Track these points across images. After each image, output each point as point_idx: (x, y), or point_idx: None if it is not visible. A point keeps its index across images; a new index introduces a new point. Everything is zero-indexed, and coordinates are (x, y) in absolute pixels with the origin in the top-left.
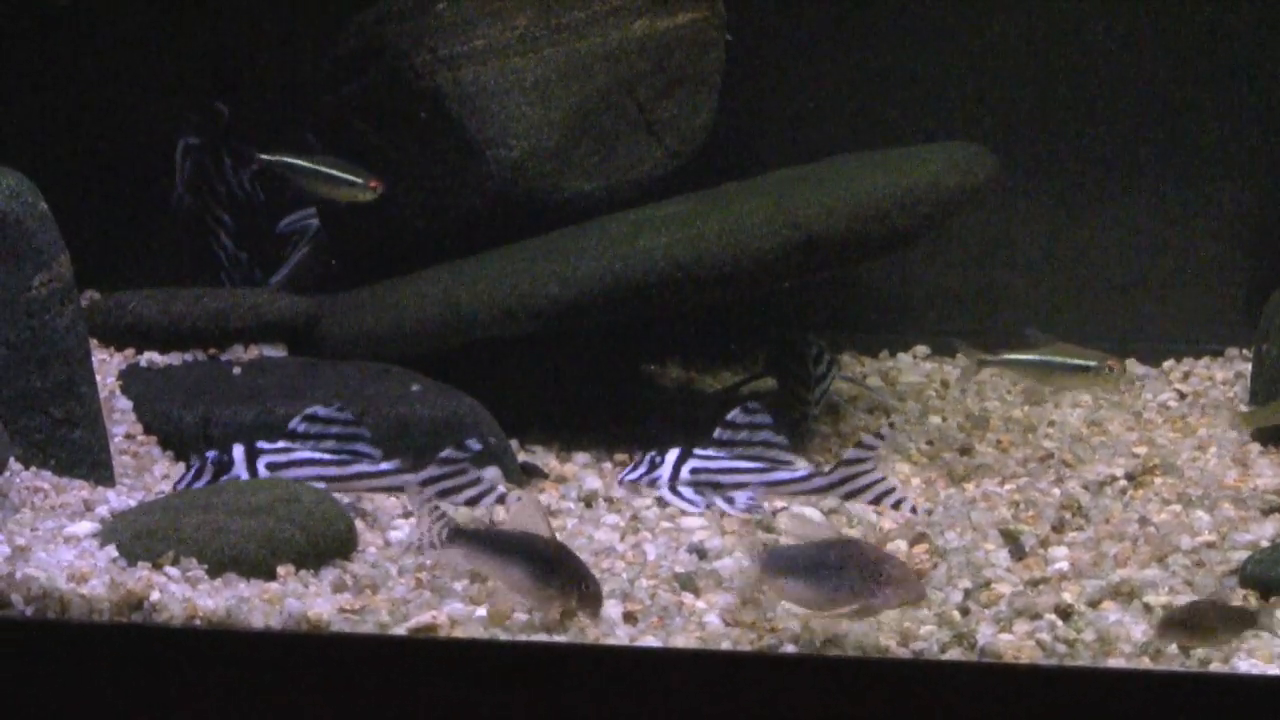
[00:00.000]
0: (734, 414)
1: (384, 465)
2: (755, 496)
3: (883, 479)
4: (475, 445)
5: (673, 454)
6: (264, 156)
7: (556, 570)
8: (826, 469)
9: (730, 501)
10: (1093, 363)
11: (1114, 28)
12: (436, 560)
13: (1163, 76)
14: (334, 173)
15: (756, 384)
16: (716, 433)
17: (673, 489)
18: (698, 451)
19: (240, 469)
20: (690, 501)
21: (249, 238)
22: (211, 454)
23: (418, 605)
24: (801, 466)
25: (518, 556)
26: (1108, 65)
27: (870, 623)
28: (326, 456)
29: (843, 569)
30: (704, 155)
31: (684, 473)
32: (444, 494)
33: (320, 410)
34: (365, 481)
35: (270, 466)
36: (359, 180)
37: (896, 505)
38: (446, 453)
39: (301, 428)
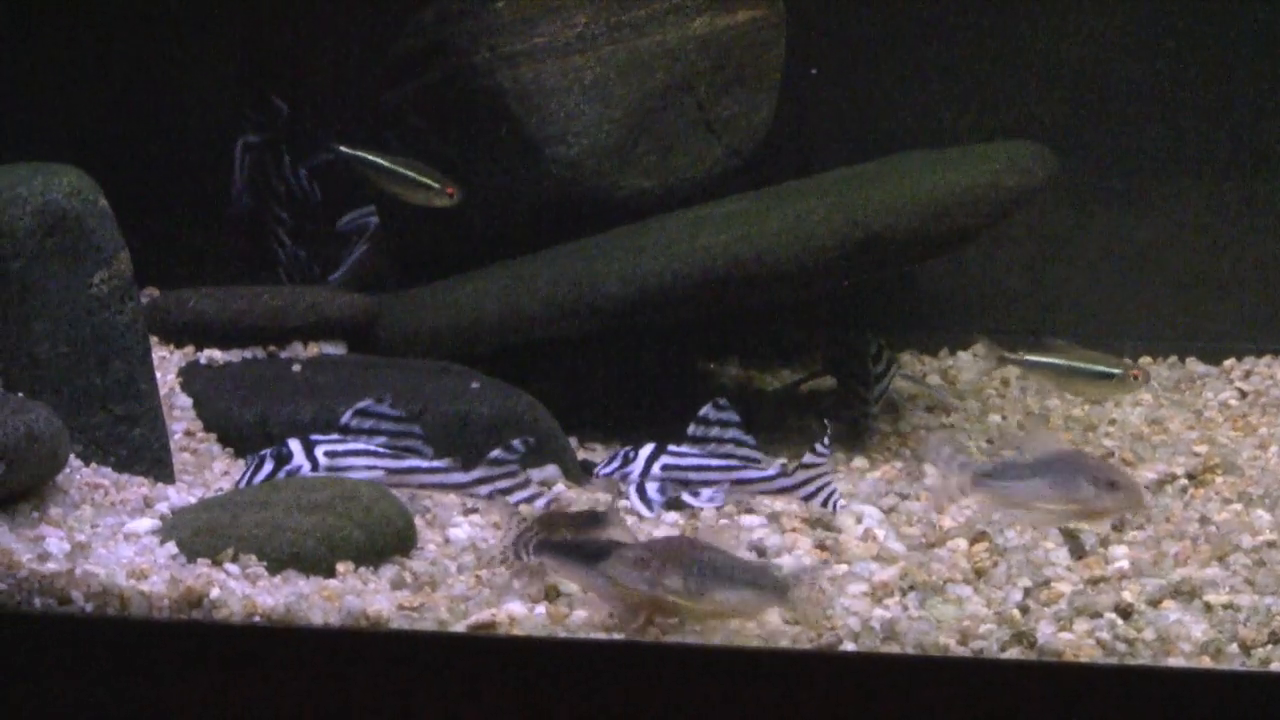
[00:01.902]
0: (705, 410)
1: (436, 463)
2: (719, 493)
3: (830, 483)
4: (519, 446)
5: (646, 449)
6: (343, 149)
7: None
8: (790, 469)
9: (695, 495)
10: (1116, 370)
11: (1174, 25)
12: (526, 570)
13: (1222, 74)
14: (412, 174)
15: (816, 382)
16: (690, 429)
17: (640, 486)
18: (671, 448)
19: (300, 458)
20: (648, 502)
21: (307, 235)
22: (268, 450)
23: (477, 603)
24: (769, 466)
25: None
26: (1167, 63)
27: (930, 620)
28: (382, 449)
29: (1070, 473)
30: (763, 153)
31: (655, 469)
32: (494, 495)
33: (372, 406)
34: (418, 477)
35: (329, 454)
36: (436, 185)
37: (832, 505)
38: (495, 454)
39: (354, 423)
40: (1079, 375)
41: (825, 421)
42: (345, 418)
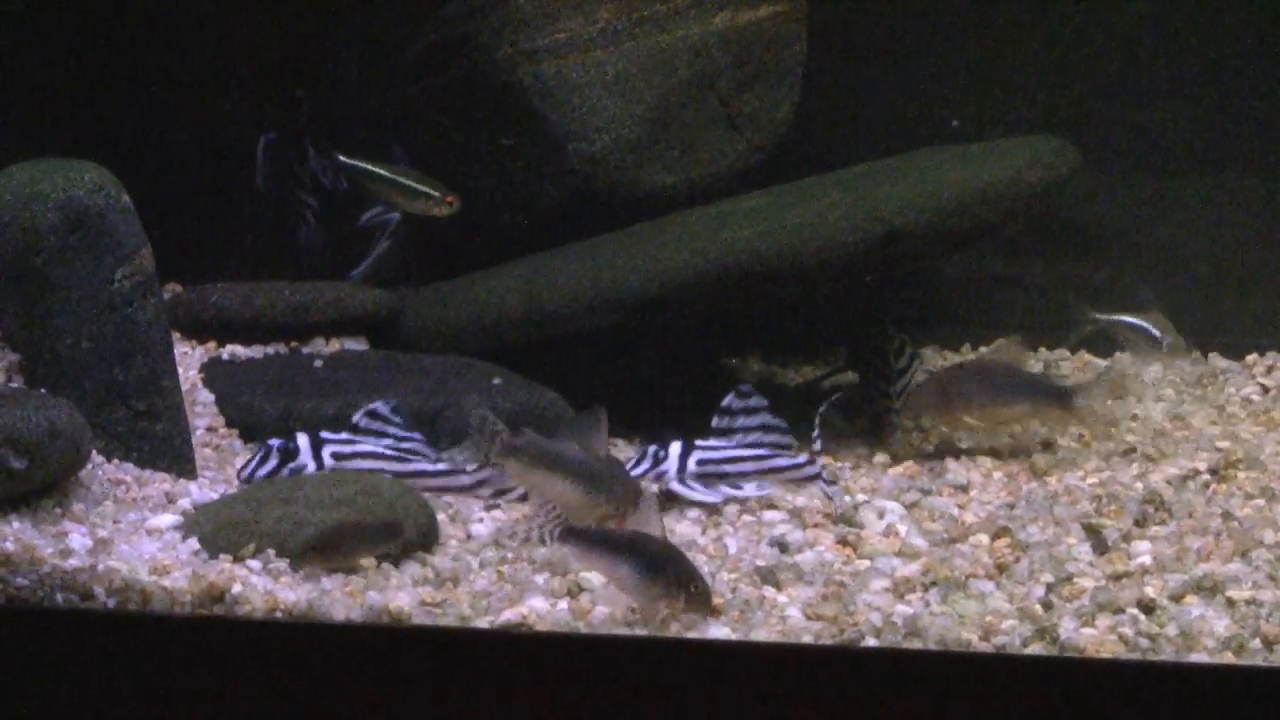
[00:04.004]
0: (728, 400)
1: (440, 466)
2: (764, 486)
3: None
4: None
5: (676, 446)
6: (344, 160)
7: (665, 570)
8: (814, 458)
9: (739, 488)
10: (1158, 334)
11: (1198, 20)
12: (548, 558)
13: (1247, 69)
14: (411, 184)
15: (838, 378)
16: (714, 421)
17: (681, 481)
18: (700, 443)
19: (306, 457)
20: (703, 493)
21: (332, 224)
22: (276, 442)
23: (499, 598)
24: (800, 454)
25: (628, 556)
26: (1192, 58)
27: (952, 616)
28: (389, 452)
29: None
30: (785, 148)
31: (690, 465)
32: (498, 494)
33: (380, 409)
34: (423, 481)
35: (335, 456)
36: (435, 194)
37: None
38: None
39: (364, 424)
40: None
41: (819, 415)
42: (356, 417)
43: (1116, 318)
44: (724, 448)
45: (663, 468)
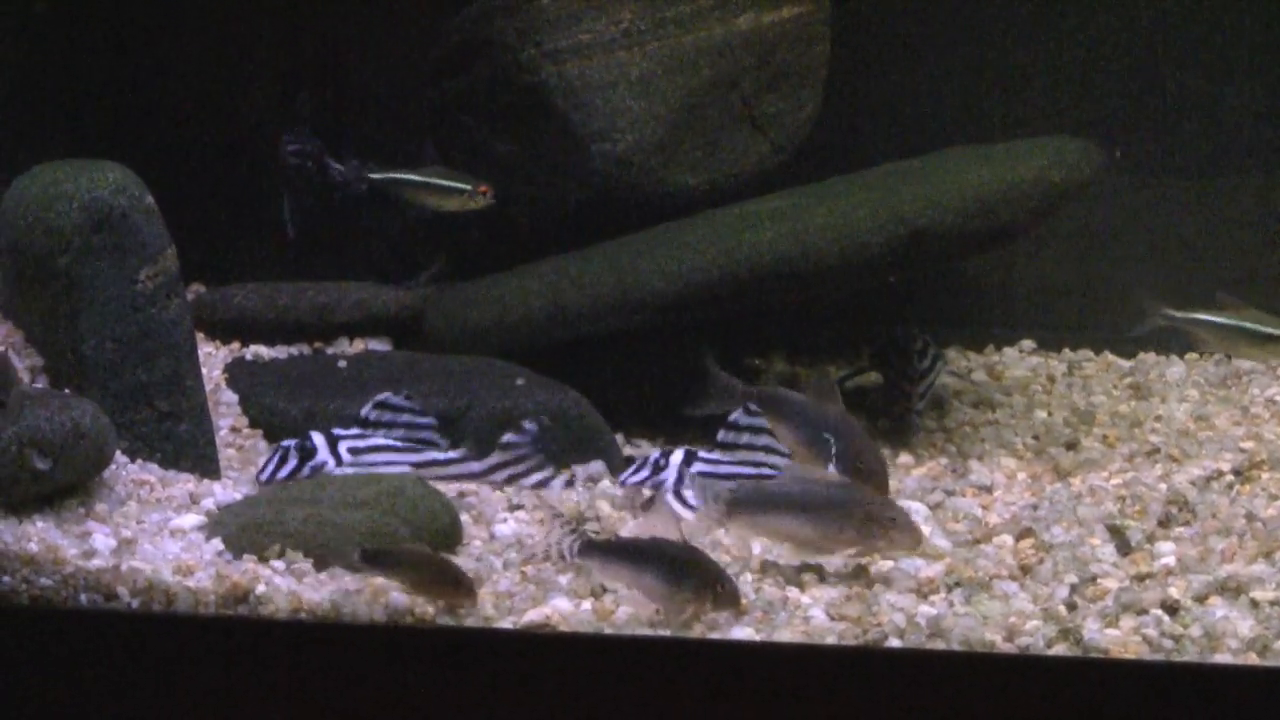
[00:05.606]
0: (735, 416)
1: (452, 454)
2: None
3: None
4: (531, 427)
5: (678, 456)
6: (374, 176)
7: (690, 574)
8: None
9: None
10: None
11: (1221, 19)
12: (570, 571)
13: (1271, 68)
14: (443, 183)
15: (862, 378)
16: (720, 435)
17: (677, 493)
18: (702, 454)
19: (324, 454)
20: (691, 507)
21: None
22: (291, 442)
23: (522, 599)
24: None
25: (650, 564)
26: (1215, 57)
27: (975, 617)
28: (400, 444)
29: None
30: (809, 149)
31: (688, 477)
32: (510, 480)
33: (390, 399)
34: (435, 470)
35: (351, 451)
36: (468, 188)
37: None
38: (506, 438)
39: (373, 416)
40: (1246, 336)
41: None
42: (365, 410)
43: (1197, 316)
44: (725, 463)
45: (661, 476)
